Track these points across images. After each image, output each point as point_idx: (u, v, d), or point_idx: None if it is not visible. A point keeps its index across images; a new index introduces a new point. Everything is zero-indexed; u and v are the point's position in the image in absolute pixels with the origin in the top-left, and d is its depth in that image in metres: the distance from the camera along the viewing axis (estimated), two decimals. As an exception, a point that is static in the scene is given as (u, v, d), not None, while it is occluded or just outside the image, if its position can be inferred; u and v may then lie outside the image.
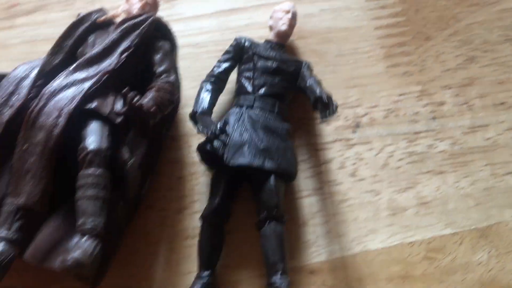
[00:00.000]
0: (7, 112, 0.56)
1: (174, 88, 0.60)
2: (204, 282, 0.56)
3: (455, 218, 0.63)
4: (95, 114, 0.55)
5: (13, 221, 0.53)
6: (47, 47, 0.62)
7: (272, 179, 0.57)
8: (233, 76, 0.66)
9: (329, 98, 0.56)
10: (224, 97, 0.66)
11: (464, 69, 0.72)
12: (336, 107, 0.56)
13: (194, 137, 0.66)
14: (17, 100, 0.57)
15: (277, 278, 0.54)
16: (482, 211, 0.63)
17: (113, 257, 0.56)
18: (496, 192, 0.64)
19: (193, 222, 0.62)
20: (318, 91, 0.59)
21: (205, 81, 0.63)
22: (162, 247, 0.61)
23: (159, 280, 0.59)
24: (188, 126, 0.67)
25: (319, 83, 0.61)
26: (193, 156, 0.65)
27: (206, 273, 0.57)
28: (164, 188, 0.64)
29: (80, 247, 0.49)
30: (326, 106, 0.56)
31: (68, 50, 0.62)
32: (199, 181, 0.64)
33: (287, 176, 0.60)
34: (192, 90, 0.65)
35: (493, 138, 0.68)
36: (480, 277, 0.60)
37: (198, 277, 0.57)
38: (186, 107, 0.67)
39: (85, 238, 0.49)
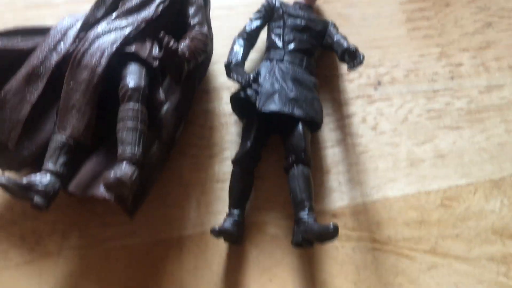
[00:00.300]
0: (55, 58, 0.60)
1: (206, 39, 0.63)
2: (235, 220, 0.59)
3: (470, 170, 0.66)
4: (134, 57, 0.59)
5: (59, 155, 0.57)
6: (90, 6, 0.65)
7: (300, 125, 0.61)
8: (263, 35, 0.69)
9: (356, 48, 0.60)
10: (254, 55, 0.70)
11: (481, 33, 0.75)
12: (363, 57, 0.60)
13: (225, 91, 0.70)
14: (63, 47, 0.61)
15: (304, 214, 0.57)
16: (496, 164, 0.67)
17: (148, 191, 0.60)
18: (509, 147, 0.68)
19: (223, 168, 0.65)
20: (345, 44, 0.63)
21: (238, 36, 0.67)
22: (194, 189, 0.64)
23: (191, 218, 0.63)
24: (220, 80, 0.71)
25: (345, 38, 0.65)
26: (224, 108, 0.69)
27: (236, 211, 0.60)
28: (196, 136, 0.67)
29: (121, 169, 0.53)
30: (353, 56, 0.60)
31: (109, 5, 0.65)
32: (229, 130, 0.68)
33: (314, 124, 0.63)
34: (224, 48, 0.68)
35: (508, 97, 0.71)
36: (493, 224, 0.63)
37: (229, 214, 0.60)
38: (217, 64, 0.71)
39: (124, 163, 0.54)
